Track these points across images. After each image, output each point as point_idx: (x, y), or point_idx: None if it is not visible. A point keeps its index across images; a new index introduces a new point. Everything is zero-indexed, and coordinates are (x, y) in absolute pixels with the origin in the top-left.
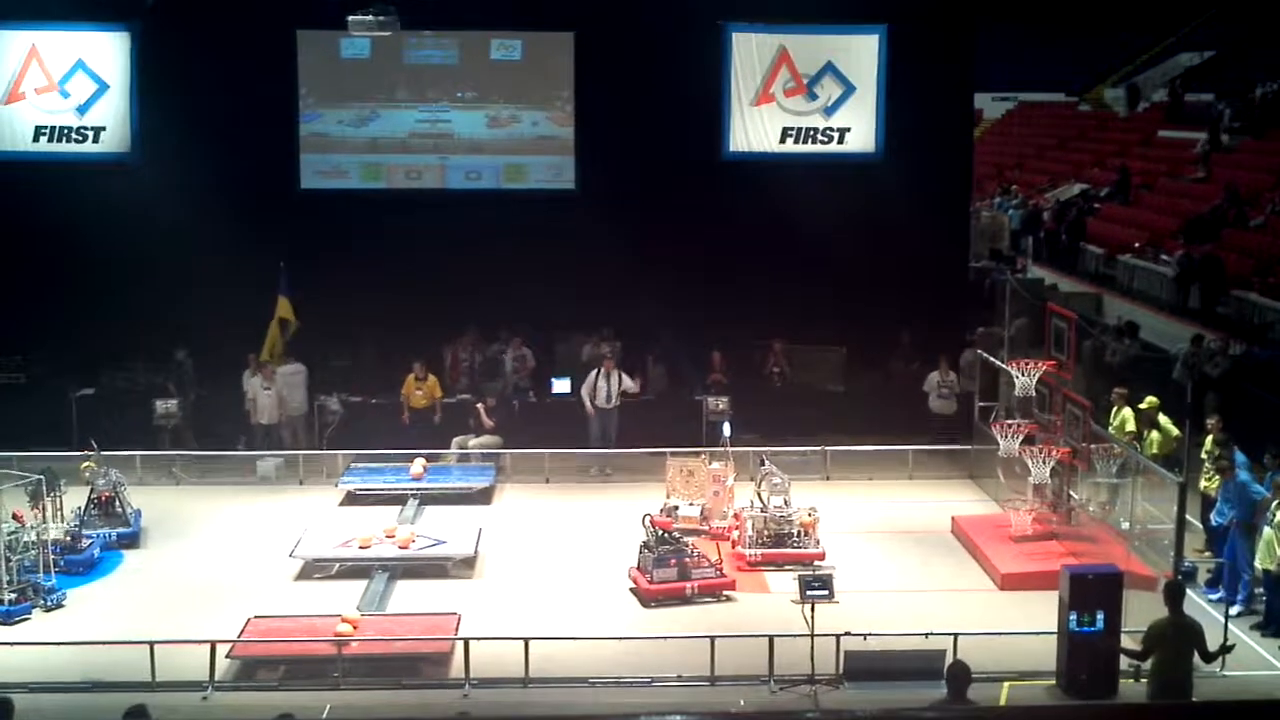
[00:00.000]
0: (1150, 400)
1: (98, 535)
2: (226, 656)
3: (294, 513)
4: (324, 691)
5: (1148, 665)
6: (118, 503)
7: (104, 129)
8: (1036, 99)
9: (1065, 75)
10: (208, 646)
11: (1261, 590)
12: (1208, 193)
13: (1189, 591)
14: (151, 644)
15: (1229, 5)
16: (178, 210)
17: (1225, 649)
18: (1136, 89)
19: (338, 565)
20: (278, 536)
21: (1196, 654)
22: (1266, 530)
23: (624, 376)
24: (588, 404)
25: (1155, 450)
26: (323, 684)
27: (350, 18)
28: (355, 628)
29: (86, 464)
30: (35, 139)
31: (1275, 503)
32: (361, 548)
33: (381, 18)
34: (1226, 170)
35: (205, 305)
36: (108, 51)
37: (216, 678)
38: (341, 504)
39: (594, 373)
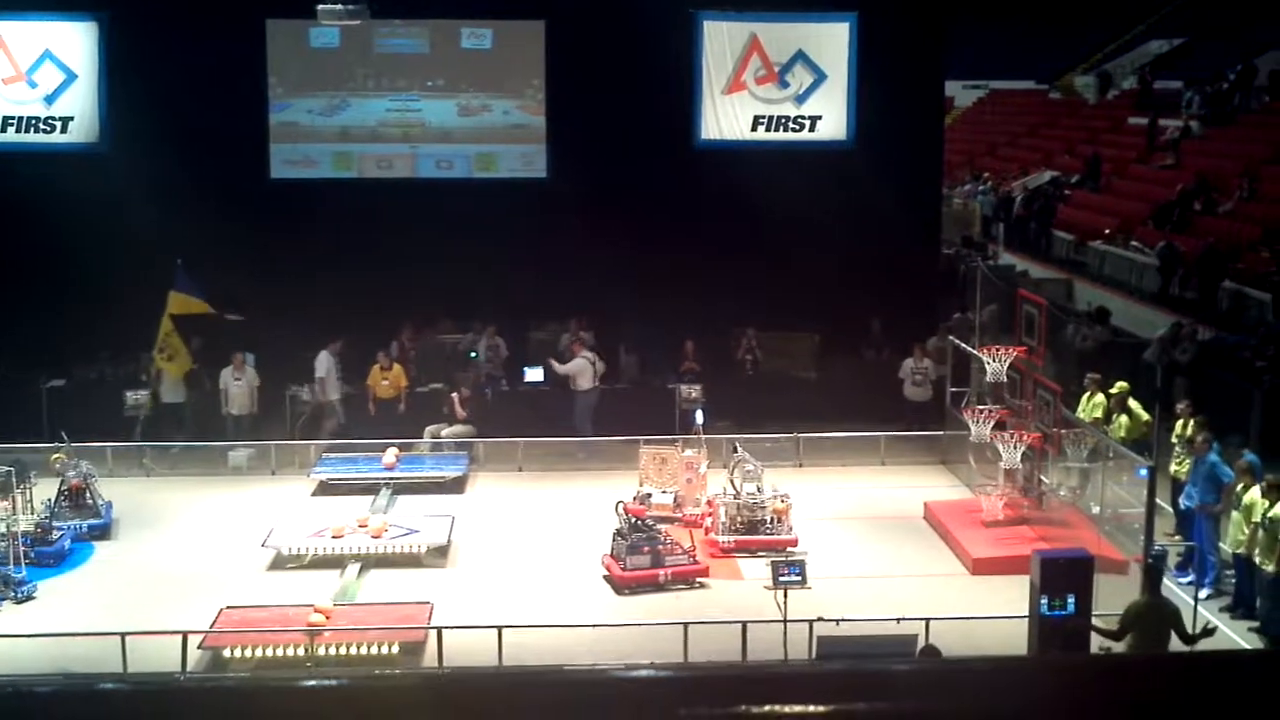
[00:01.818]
0: (1120, 385)
1: (68, 527)
2: (198, 647)
3: (266, 503)
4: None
5: (1121, 645)
6: (88, 494)
7: (72, 119)
8: (1007, 86)
9: (1036, 63)
10: (179, 637)
11: (1230, 572)
12: (1178, 179)
13: None
14: (123, 635)
15: None
16: (147, 200)
17: (1206, 632)
18: (1107, 76)
19: (310, 555)
20: (250, 527)
21: (1176, 636)
22: (1235, 513)
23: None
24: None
25: (1124, 434)
26: (295, 674)
27: (320, 7)
28: (328, 618)
29: (57, 455)
30: (3, 129)
31: (1241, 485)
32: (334, 538)
33: (351, 7)
34: (1196, 157)
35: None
36: (76, 41)
37: (188, 669)
38: (314, 494)
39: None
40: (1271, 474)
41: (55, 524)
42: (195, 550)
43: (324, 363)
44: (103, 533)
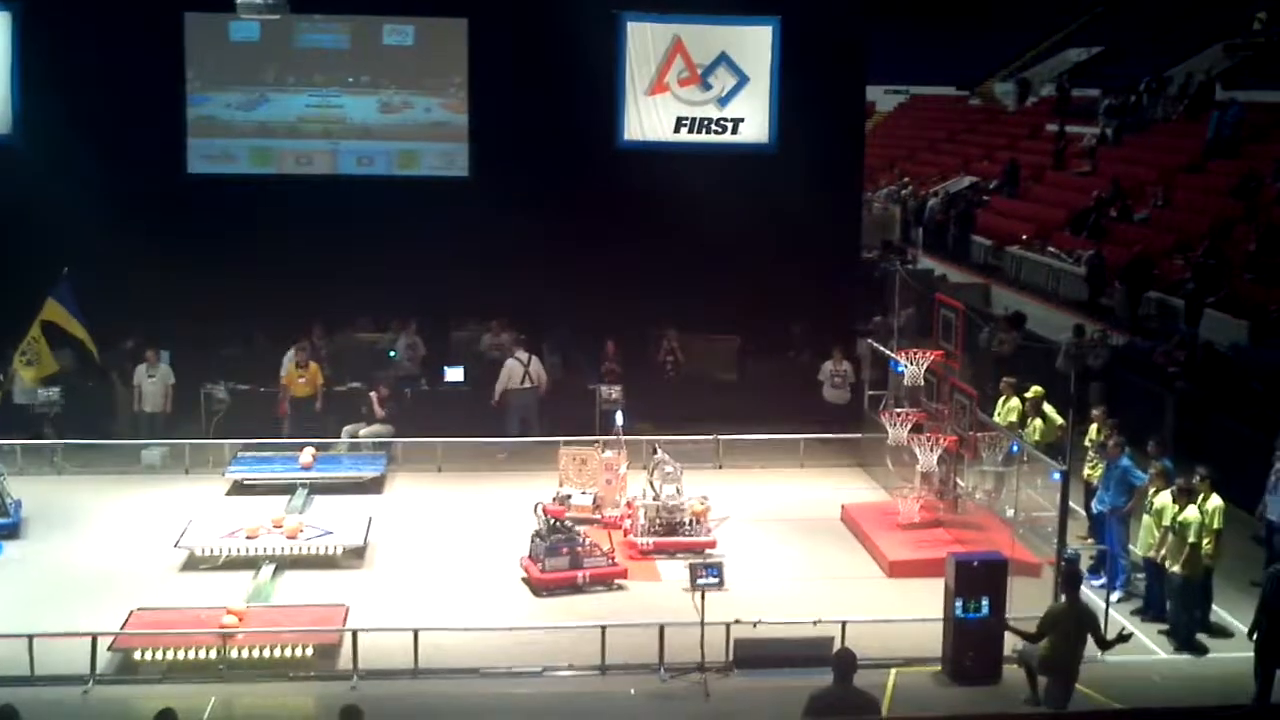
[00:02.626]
0: (1036, 389)
1: None
2: (108, 649)
3: (180, 502)
4: (208, 684)
5: (1039, 648)
6: None
7: None
8: (928, 92)
9: (957, 69)
10: (89, 639)
11: (1141, 576)
12: (1094, 186)
13: None
14: (30, 637)
15: (1115, 4)
16: (61, 195)
17: (1122, 638)
18: (1026, 83)
19: (224, 556)
20: (163, 527)
21: (1092, 639)
22: (1145, 517)
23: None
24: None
25: (1038, 438)
26: (207, 677)
27: (239, 0)
28: (241, 620)
29: None
30: None
31: (1153, 490)
32: (249, 538)
33: (270, 1)
34: (1113, 164)
35: (89, 292)
36: None
37: (98, 671)
38: (229, 493)
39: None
40: (1182, 478)
41: None
42: (106, 550)
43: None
44: (11, 532)
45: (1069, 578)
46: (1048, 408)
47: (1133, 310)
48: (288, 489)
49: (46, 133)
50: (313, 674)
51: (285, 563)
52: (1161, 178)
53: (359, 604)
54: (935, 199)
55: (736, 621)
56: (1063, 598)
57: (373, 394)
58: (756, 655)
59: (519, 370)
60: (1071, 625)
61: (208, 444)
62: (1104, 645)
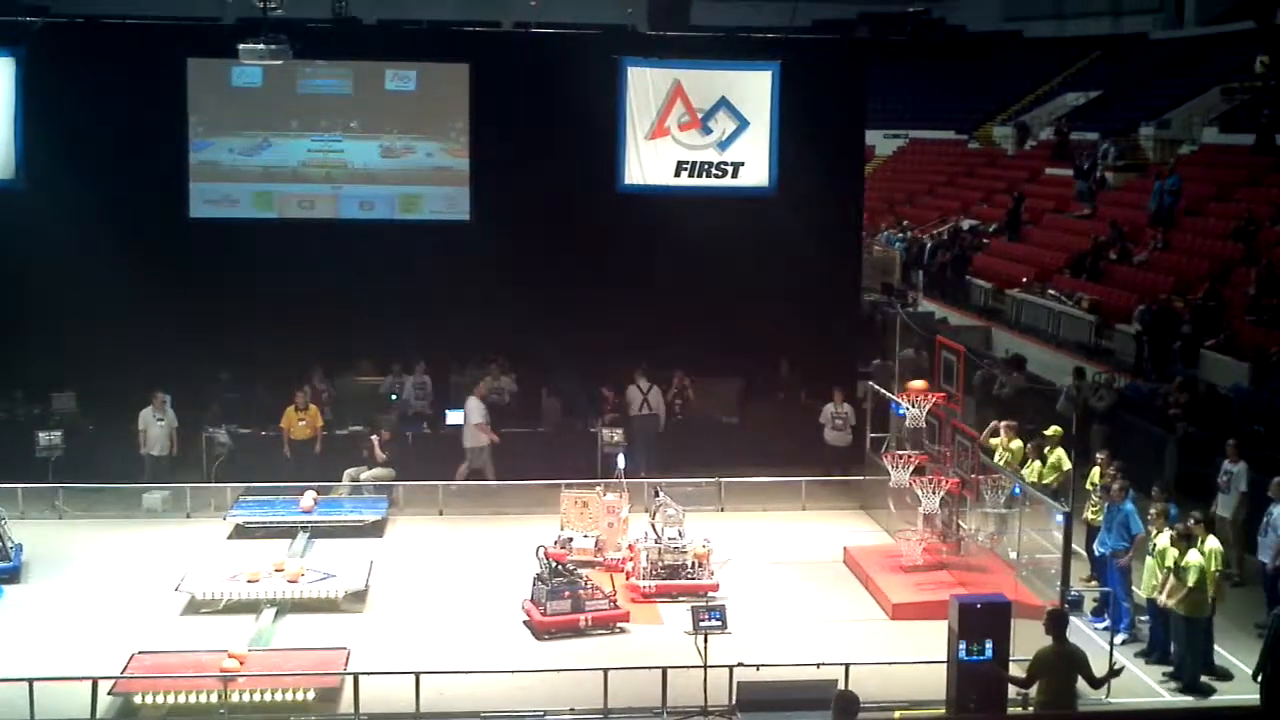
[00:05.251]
0: (1055, 429)
1: None
2: (109, 693)
3: (181, 546)
4: None
5: (1033, 692)
6: None
7: None
8: (927, 136)
9: (955, 113)
10: (89, 683)
11: (1144, 618)
12: (1093, 229)
13: (1076, 620)
14: (30, 681)
15: (1112, 48)
16: (64, 238)
17: (1113, 673)
18: (1025, 127)
19: (225, 600)
20: (164, 570)
21: (1084, 680)
22: (1148, 559)
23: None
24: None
25: (1048, 481)
26: None
27: (242, 46)
28: (242, 663)
29: None
30: None
31: (1155, 531)
32: (250, 582)
33: (273, 47)
34: (1111, 207)
35: (91, 336)
36: None
37: (98, 715)
38: (230, 537)
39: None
40: (1181, 522)
41: None
42: (107, 594)
43: (476, 410)
44: (12, 576)
45: (1055, 621)
46: (1059, 452)
47: (1158, 359)
48: (289, 533)
49: (49, 177)
50: (314, 718)
51: (286, 606)
52: (1161, 220)
53: (360, 647)
54: (935, 242)
55: (739, 664)
56: (1051, 641)
57: (374, 437)
58: (759, 699)
59: (638, 398)
60: (1062, 668)
61: (209, 488)
62: (1095, 684)
